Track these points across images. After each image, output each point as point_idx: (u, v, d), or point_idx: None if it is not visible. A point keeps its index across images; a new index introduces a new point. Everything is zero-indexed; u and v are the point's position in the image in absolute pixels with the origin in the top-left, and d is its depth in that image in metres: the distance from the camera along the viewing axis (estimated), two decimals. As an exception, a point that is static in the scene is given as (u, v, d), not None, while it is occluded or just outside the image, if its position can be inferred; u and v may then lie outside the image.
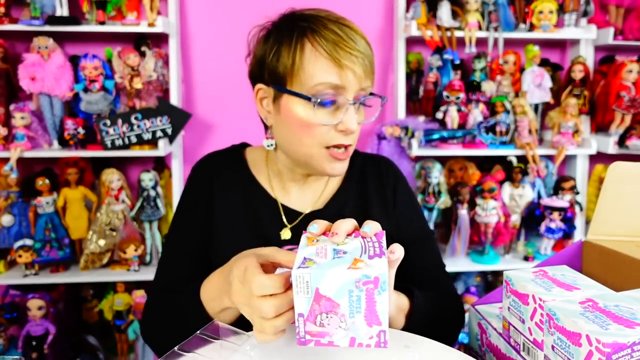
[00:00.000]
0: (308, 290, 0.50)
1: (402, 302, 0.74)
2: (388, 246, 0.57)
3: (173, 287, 0.81)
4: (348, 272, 0.49)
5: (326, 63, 0.73)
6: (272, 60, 0.77)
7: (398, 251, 0.57)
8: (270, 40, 0.78)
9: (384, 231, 0.59)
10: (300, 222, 0.87)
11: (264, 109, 0.82)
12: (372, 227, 0.58)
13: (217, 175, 0.90)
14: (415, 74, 1.98)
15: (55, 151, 1.75)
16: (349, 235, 0.58)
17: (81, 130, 1.74)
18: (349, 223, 0.58)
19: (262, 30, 0.81)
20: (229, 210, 0.87)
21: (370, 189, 0.92)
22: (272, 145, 0.85)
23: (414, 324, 0.74)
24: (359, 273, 0.49)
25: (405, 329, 0.74)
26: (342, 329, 0.51)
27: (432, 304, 0.79)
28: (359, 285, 0.49)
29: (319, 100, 0.73)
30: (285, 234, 0.86)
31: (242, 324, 0.66)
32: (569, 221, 1.87)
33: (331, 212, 0.88)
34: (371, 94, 0.79)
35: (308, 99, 0.73)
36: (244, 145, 0.97)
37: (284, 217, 0.88)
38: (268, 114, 0.82)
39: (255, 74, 0.82)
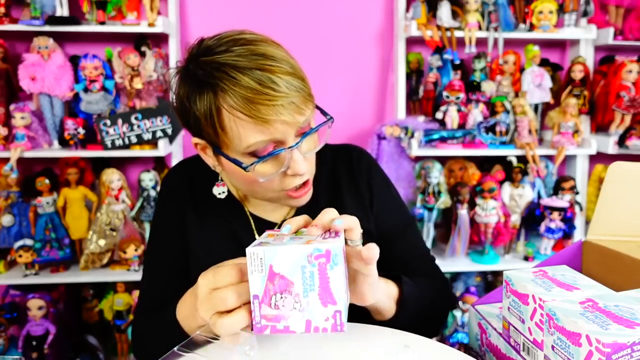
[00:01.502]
0: (262, 268, 0.50)
1: (391, 289, 0.73)
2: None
3: (157, 304, 0.79)
4: (300, 247, 0.50)
5: (249, 126, 0.66)
6: (194, 125, 0.71)
7: (373, 251, 0.55)
8: (185, 96, 0.70)
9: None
10: None
11: (209, 157, 0.77)
12: (343, 222, 0.56)
13: (188, 185, 0.87)
14: (415, 74, 1.98)
15: (55, 151, 1.75)
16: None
17: (81, 130, 1.74)
18: (332, 213, 0.57)
19: (177, 76, 0.73)
20: (202, 223, 0.84)
21: (343, 188, 0.88)
22: (224, 193, 0.82)
23: (406, 309, 0.73)
24: (311, 247, 0.50)
25: (397, 315, 0.73)
26: (297, 311, 0.51)
27: (422, 289, 0.78)
28: (310, 260, 0.50)
29: (253, 164, 0.68)
30: None
31: None
32: (569, 221, 1.87)
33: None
34: (323, 112, 0.74)
35: (244, 167, 0.68)
36: None
37: (255, 230, 0.85)
38: (214, 163, 0.77)
39: (185, 125, 0.75)
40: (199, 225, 0.84)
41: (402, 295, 0.74)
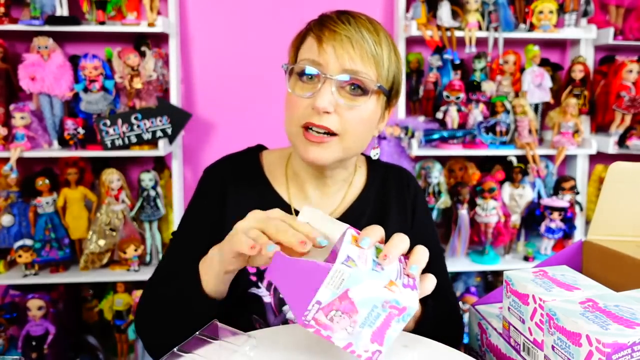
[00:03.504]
0: (339, 286, 0.51)
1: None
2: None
3: (170, 282, 0.79)
4: (383, 290, 0.51)
5: (311, 41, 0.75)
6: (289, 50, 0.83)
7: (430, 285, 0.60)
8: None
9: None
10: None
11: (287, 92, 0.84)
12: (419, 268, 0.59)
13: (231, 180, 0.87)
14: (415, 74, 1.98)
15: (55, 151, 1.75)
16: None
17: (81, 130, 1.74)
18: (403, 246, 0.58)
19: None
20: (243, 215, 0.85)
21: (391, 201, 0.90)
22: None
23: (420, 329, 0.73)
24: (392, 296, 0.50)
25: (410, 331, 0.73)
26: (346, 332, 0.52)
27: (440, 316, 0.79)
28: (385, 306, 0.51)
29: (293, 68, 0.75)
30: None
31: (242, 324, 0.65)
32: (569, 221, 1.87)
33: (347, 222, 0.85)
34: (380, 87, 0.75)
35: (290, 70, 0.76)
36: (260, 148, 0.94)
37: None
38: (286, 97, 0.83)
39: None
40: (238, 217, 0.84)
41: (422, 316, 0.75)
